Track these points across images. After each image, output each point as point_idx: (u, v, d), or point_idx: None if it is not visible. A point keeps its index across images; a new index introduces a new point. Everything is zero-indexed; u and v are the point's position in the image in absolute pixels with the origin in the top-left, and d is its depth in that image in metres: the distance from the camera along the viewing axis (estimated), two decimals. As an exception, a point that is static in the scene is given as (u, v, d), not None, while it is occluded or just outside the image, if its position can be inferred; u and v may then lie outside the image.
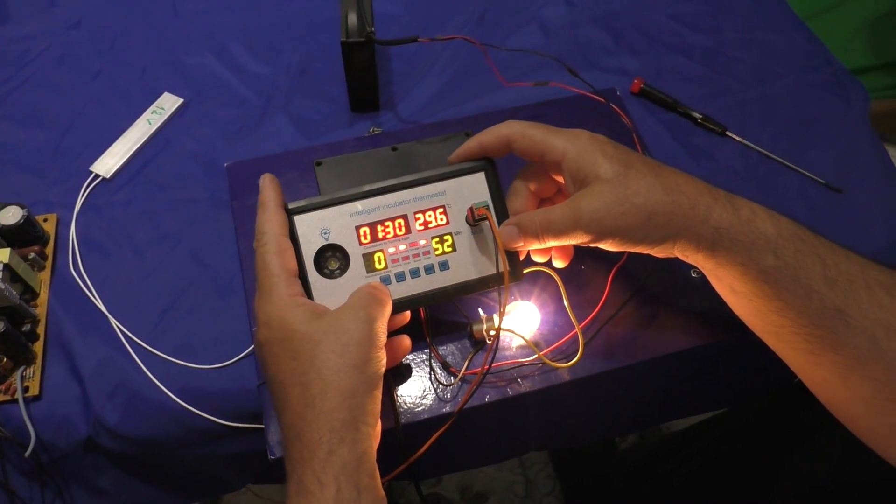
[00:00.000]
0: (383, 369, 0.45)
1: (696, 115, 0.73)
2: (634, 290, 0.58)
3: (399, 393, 0.54)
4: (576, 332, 0.55)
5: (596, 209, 0.46)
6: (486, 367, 0.49)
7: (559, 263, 0.54)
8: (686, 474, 0.92)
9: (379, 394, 0.44)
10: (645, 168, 0.47)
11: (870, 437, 0.46)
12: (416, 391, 0.54)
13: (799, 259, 0.44)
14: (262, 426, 0.54)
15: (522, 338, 0.54)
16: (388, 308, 0.48)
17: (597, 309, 0.57)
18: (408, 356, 0.56)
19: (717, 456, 0.89)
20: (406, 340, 0.51)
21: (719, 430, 0.91)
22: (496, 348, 0.50)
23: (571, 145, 0.48)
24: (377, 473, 0.42)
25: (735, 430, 0.88)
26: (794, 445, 0.74)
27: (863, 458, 0.48)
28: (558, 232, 0.48)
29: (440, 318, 0.57)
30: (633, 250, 0.48)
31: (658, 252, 0.48)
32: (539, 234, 0.49)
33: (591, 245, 0.49)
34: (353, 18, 0.66)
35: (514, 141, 0.51)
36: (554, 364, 0.54)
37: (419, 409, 0.53)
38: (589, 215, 0.46)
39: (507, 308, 0.55)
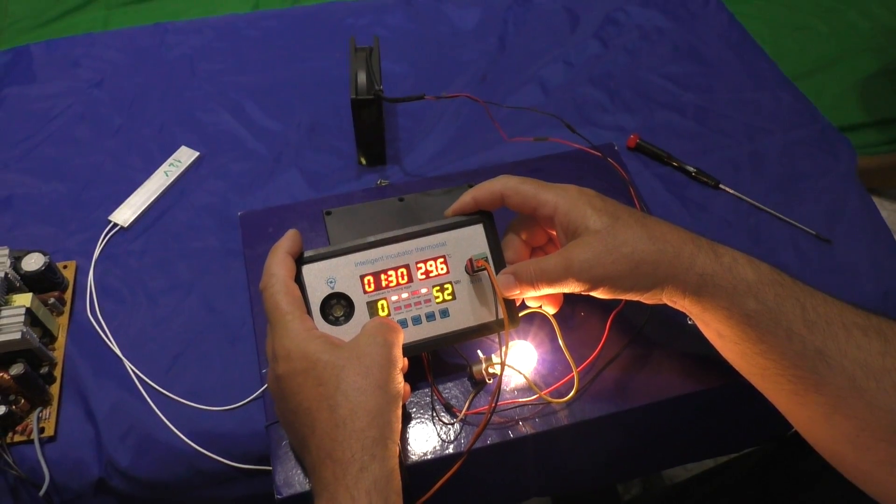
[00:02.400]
0: (402, 390, 0.47)
1: (690, 168, 0.76)
2: (633, 334, 0.60)
3: (401, 434, 0.55)
4: (573, 372, 0.57)
5: (586, 258, 0.49)
6: (493, 404, 0.51)
7: (549, 309, 0.56)
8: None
9: (400, 413, 0.46)
10: (631, 219, 0.50)
11: (855, 474, 0.47)
12: (419, 433, 0.56)
13: (779, 303, 0.46)
14: (270, 468, 0.55)
15: (523, 375, 0.56)
16: (401, 335, 0.50)
17: (595, 352, 0.59)
18: (410, 398, 0.57)
19: (721, 505, 0.89)
20: (406, 386, 0.53)
21: (722, 479, 0.91)
22: (500, 387, 0.52)
23: (562, 199, 0.51)
24: (401, 492, 0.44)
25: (738, 479, 0.88)
26: (796, 492, 0.74)
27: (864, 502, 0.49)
28: (552, 280, 0.50)
29: (440, 360, 0.59)
30: (623, 298, 0.50)
31: (647, 299, 0.50)
32: (534, 282, 0.51)
33: (584, 293, 0.51)
34: (362, 77, 0.70)
35: (507, 196, 0.54)
36: (553, 401, 0.56)
37: (422, 450, 0.55)
38: (580, 264, 0.49)
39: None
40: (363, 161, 0.77)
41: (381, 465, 0.43)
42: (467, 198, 0.55)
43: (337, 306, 0.53)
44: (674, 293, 0.49)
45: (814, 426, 0.49)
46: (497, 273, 0.54)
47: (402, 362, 0.48)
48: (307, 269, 0.52)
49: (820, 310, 0.46)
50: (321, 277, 0.52)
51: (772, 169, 0.78)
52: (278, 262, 0.50)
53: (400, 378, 0.47)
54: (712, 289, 0.47)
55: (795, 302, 0.46)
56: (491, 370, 0.56)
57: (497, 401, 0.51)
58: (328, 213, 0.69)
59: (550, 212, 0.52)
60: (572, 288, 0.51)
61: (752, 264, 0.48)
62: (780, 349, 0.46)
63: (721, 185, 0.75)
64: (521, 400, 0.57)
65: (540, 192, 0.53)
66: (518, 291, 0.53)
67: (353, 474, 0.42)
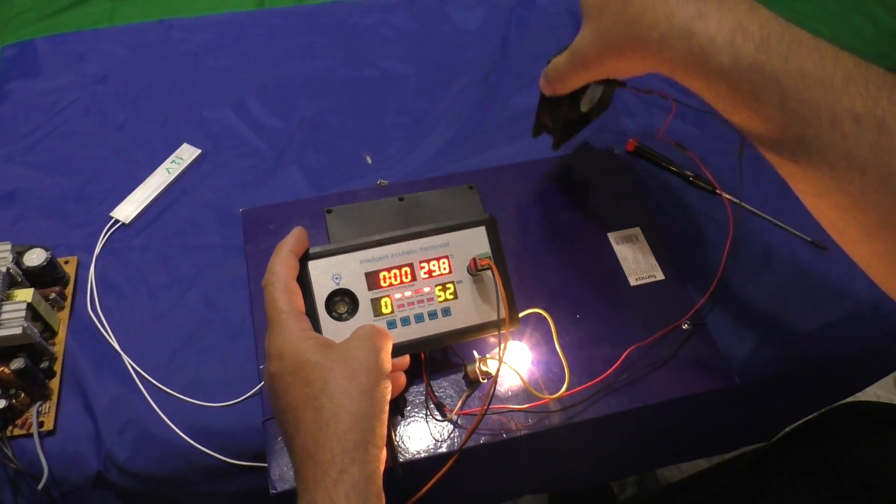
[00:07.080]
0: (389, 395, 0.47)
1: (689, 173, 0.77)
2: (632, 349, 0.61)
3: (395, 432, 0.56)
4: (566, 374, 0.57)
5: (581, 36, 0.53)
6: (486, 405, 0.51)
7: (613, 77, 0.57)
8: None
9: (385, 418, 0.46)
10: None
11: (855, 257, 0.47)
12: (413, 431, 0.56)
13: (770, 57, 0.42)
14: (265, 464, 0.56)
15: (518, 374, 0.57)
16: (391, 342, 0.50)
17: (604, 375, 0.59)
18: (405, 397, 0.58)
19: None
20: (401, 377, 0.54)
21: (715, 480, 0.92)
22: (494, 386, 0.52)
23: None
24: (383, 496, 0.44)
25: (730, 480, 0.89)
26: (787, 493, 0.75)
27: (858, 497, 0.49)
28: (563, 71, 0.57)
29: (436, 359, 0.60)
30: (623, 54, 0.51)
31: (644, 57, 0.50)
32: (555, 77, 0.59)
33: (603, 70, 0.54)
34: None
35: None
36: (545, 398, 0.57)
37: (415, 448, 0.55)
38: (579, 42, 0.53)
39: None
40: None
41: (360, 468, 0.43)
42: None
43: (341, 303, 0.53)
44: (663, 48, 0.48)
45: (808, 201, 0.47)
46: (501, 275, 0.54)
47: (389, 367, 0.48)
48: (313, 265, 0.53)
49: (813, 89, 0.40)
50: (327, 273, 0.53)
51: (769, 175, 0.77)
52: (281, 261, 0.51)
53: (387, 383, 0.47)
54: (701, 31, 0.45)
55: (794, 65, 0.40)
56: (484, 368, 0.56)
57: (490, 402, 0.52)
58: (329, 211, 0.70)
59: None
60: (586, 62, 0.54)
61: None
62: (763, 119, 0.43)
63: (718, 191, 0.76)
64: (514, 406, 0.57)
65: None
66: (555, 83, 0.59)
67: (333, 477, 0.42)
